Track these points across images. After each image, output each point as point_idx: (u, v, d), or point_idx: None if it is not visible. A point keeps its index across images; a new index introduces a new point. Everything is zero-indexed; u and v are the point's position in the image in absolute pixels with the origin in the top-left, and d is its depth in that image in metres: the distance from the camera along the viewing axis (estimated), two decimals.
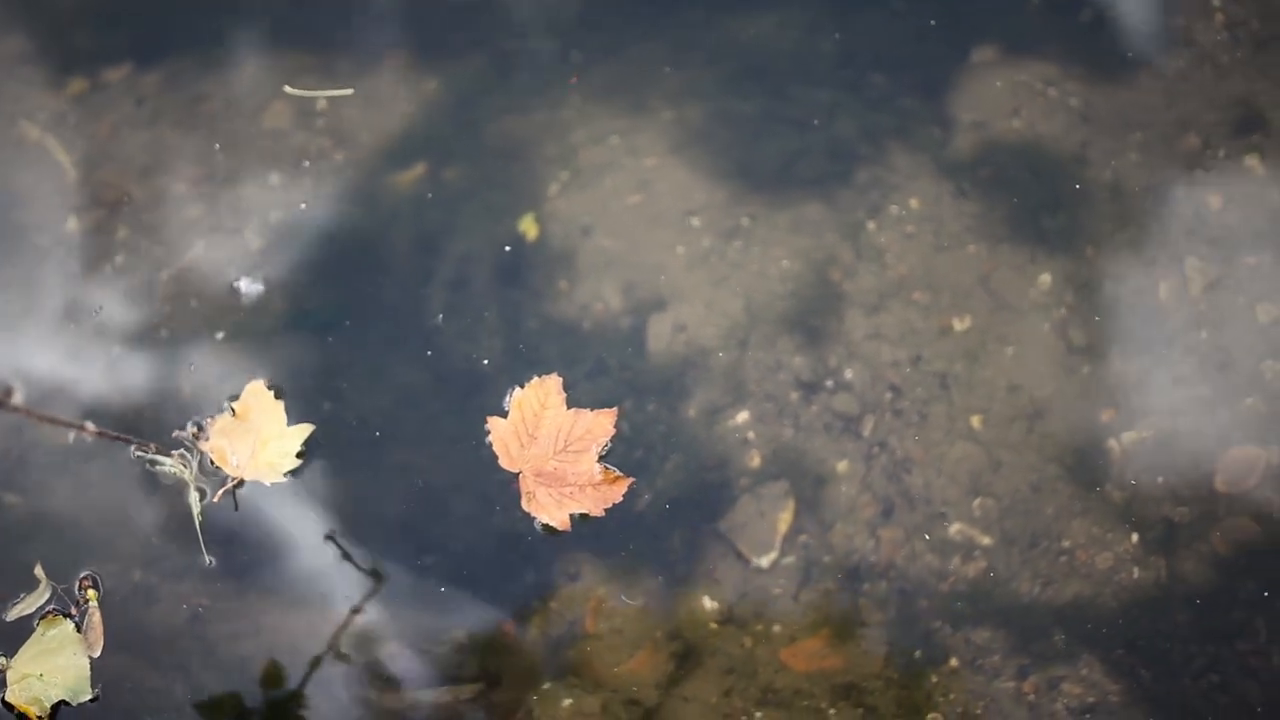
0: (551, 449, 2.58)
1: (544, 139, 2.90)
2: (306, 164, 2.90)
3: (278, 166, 2.91)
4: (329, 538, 2.64)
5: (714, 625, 2.60)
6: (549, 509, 2.55)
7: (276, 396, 2.64)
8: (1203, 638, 2.54)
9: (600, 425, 2.59)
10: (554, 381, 2.61)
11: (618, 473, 2.58)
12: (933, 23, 2.91)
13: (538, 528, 2.60)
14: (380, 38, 3.00)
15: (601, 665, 2.58)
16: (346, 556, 2.63)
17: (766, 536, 2.64)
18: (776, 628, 2.60)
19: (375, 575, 2.62)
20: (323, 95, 2.92)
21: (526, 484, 2.57)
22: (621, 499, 2.56)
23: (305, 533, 2.64)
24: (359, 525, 2.65)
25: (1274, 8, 2.90)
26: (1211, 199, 2.79)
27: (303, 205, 2.87)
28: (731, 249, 2.81)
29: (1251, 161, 2.81)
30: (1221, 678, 2.52)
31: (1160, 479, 2.64)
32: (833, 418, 2.70)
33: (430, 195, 2.87)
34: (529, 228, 2.84)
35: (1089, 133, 2.85)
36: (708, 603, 2.61)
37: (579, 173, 2.87)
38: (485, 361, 2.73)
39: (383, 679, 2.57)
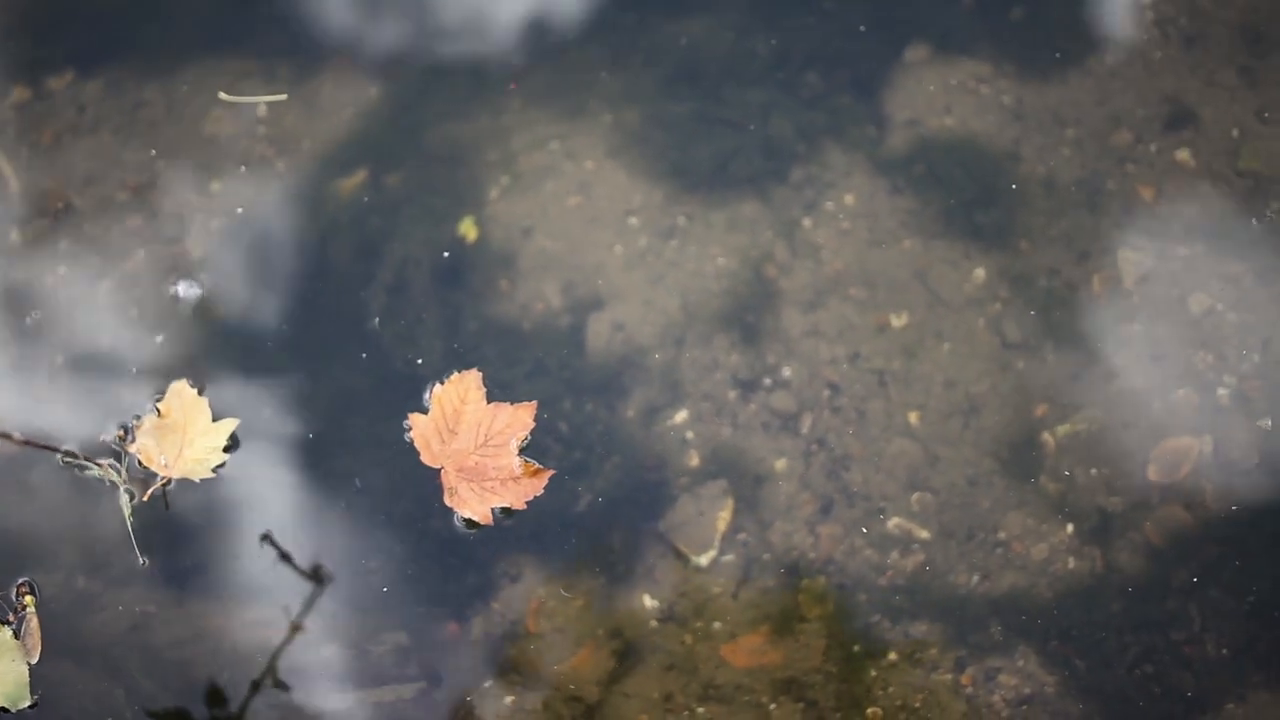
0: (472, 444, 2.56)
1: (484, 144, 2.88)
2: (248, 171, 2.87)
3: (219, 173, 2.88)
4: (268, 539, 2.61)
5: (654, 623, 2.58)
6: (470, 503, 2.53)
7: (200, 394, 2.62)
8: (1137, 627, 2.53)
9: (519, 419, 2.57)
10: (473, 376, 2.59)
11: (538, 465, 2.56)
12: (864, 24, 2.90)
13: (459, 522, 2.58)
14: (322, 44, 2.98)
15: (543, 663, 2.56)
16: (286, 558, 2.61)
17: (706, 535, 2.62)
18: (717, 624, 2.58)
19: (315, 577, 2.59)
20: (257, 101, 2.89)
21: (448, 479, 2.55)
22: (543, 491, 2.55)
23: (244, 535, 2.62)
24: (297, 527, 2.62)
25: (1202, 6, 2.90)
26: (1144, 192, 2.78)
27: (244, 211, 2.84)
28: (669, 248, 2.79)
29: (1182, 156, 2.80)
30: (1155, 667, 2.51)
31: (1094, 470, 2.63)
32: (771, 416, 2.68)
33: (372, 200, 2.85)
34: (469, 230, 2.82)
35: (1022, 129, 2.84)
36: (648, 601, 2.59)
37: (519, 177, 2.85)
38: (420, 361, 2.70)
39: (325, 679, 2.55)
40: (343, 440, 2.67)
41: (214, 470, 2.58)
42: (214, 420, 2.60)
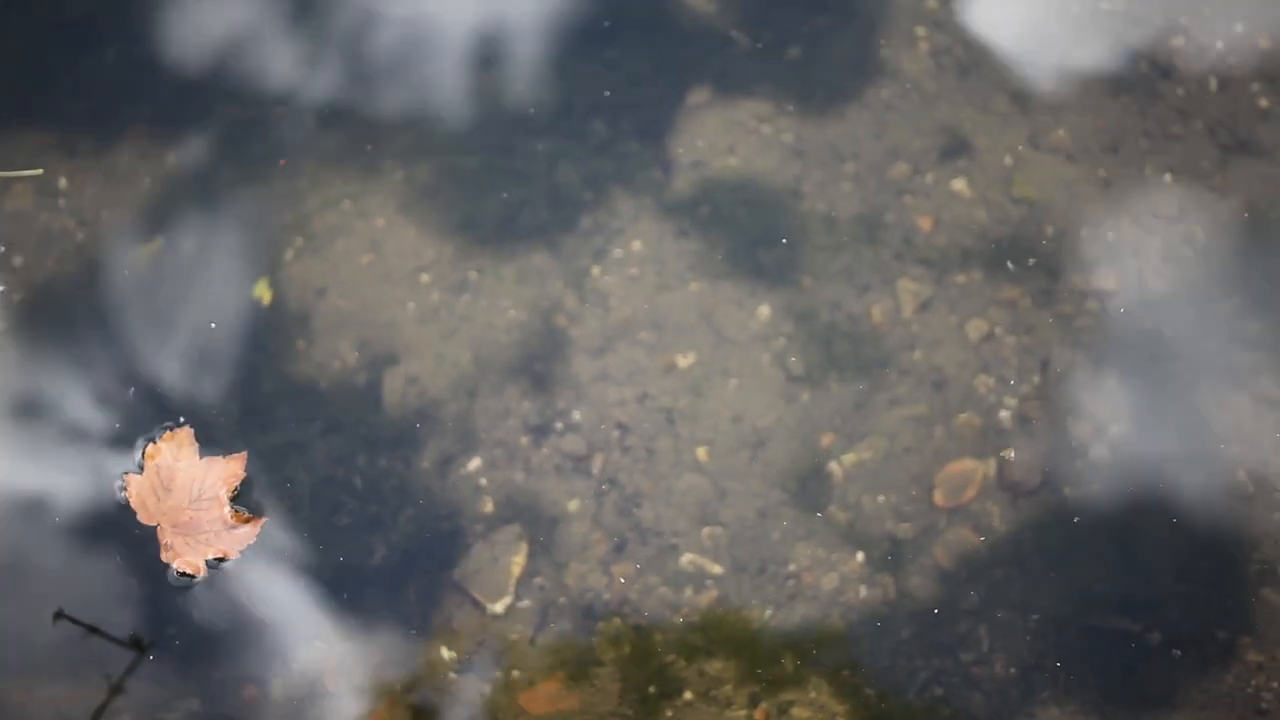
0: (187, 498, 2.51)
1: (280, 207, 2.81)
2: (50, 244, 2.78)
3: (21, 249, 2.79)
4: (62, 614, 2.51)
5: (452, 675, 2.50)
6: (185, 557, 2.48)
7: None
8: (927, 651, 2.48)
9: (231, 470, 2.54)
10: (185, 433, 2.56)
11: (248, 514, 2.51)
12: (647, 70, 2.85)
13: (173, 576, 2.50)
14: (120, 115, 2.90)
15: None
16: (93, 630, 2.51)
17: (501, 581, 2.54)
18: (515, 673, 2.50)
19: (122, 650, 2.50)
20: (12, 176, 2.82)
21: (164, 535, 2.50)
22: (255, 539, 2.50)
23: (37, 608, 2.52)
24: (84, 601, 2.53)
25: (975, 35, 2.87)
26: (921, 222, 2.74)
27: (44, 284, 2.75)
28: (460, 302, 2.72)
29: (958, 185, 2.76)
30: (945, 690, 2.45)
31: (881, 498, 2.57)
32: (562, 459, 2.62)
33: (168, 267, 2.77)
34: (264, 293, 2.74)
35: (803, 166, 2.79)
36: (445, 652, 2.51)
37: (313, 238, 2.78)
38: (221, 423, 2.62)
39: None
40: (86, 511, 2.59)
41: None
42: None
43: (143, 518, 2.51)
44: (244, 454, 2.54)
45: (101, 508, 2.55)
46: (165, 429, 2.58)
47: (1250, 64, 2.81)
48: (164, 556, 2.49)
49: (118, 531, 2.53)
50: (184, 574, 2.49)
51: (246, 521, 2.51)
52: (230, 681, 2.49)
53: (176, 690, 2.48)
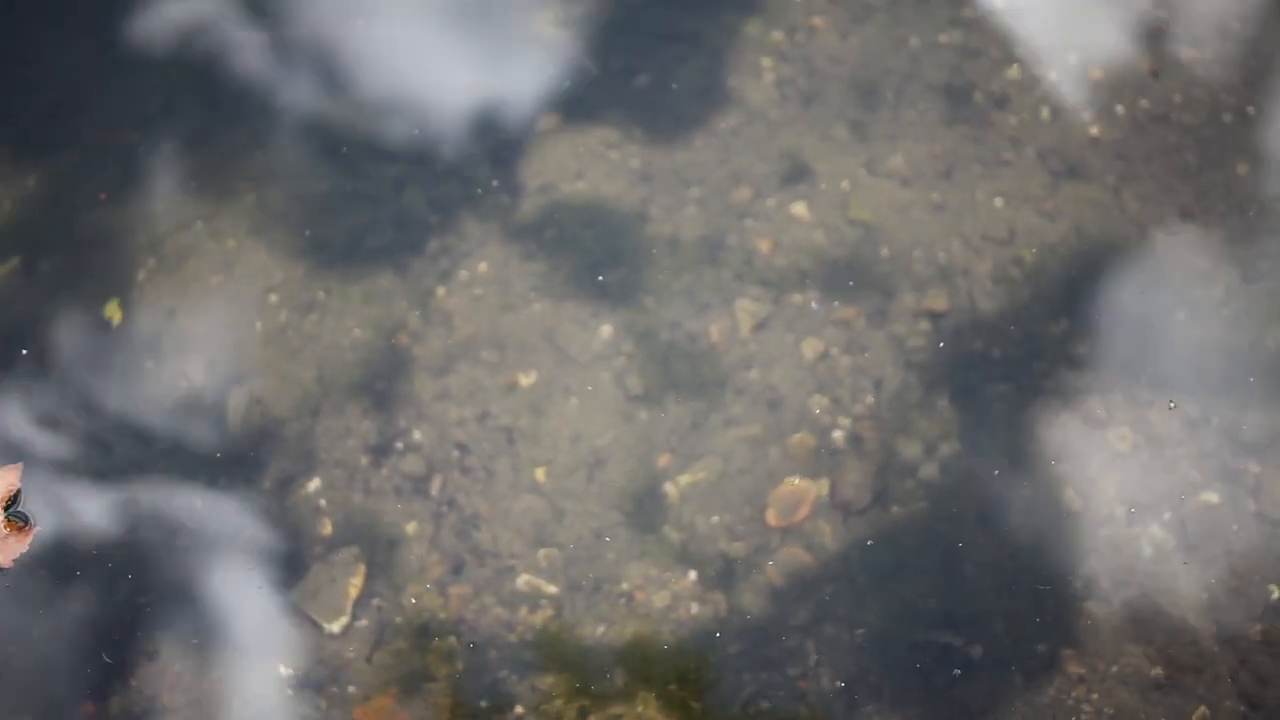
0: None
1: (135, 228, 2.81)
2: None
3: None
4: None
5: (290, 691, 2.49)
6: None
7: None
8: (755, 666, 2.48)
9: (7, 480, 2.54)
10: None
11: (23, 524, 2.52)
12: (495, 96, 2.86)
13: None
14: None
15: None
16: None
17: (337, 602, 2.54)
18: (351, 689, 2.49)
19: None
20: None
21: None
22: (28, 548, 2.50)
23: None
24: None
25: (818, 65, 2.89)
26: (761, 244, 2.76)
27: None
28: (307, 322, 2.72)
29: (798, 209, 2.78)
30: (772, 703, 2.46)
31: (715, 518, 2.58)
32: (402, 480, 2.61)
33: (22, 287, 2.76)
34: (114, 313, 2.73)
35: (649, 191, 2.80)
36: (282, 670, 2.50)
37: (165, 259, 2.77)
38: (64, 443, 2.61)
39: None
40: None
41: None
42: None
43: None
44: (19, 464, 2.54)
45: None
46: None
47: (1082, 94, 2.85)
48: None
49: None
50: None
51: (20, 530, 2.51)
52: (67, 699, 2.47)
53: (11, 707, 2.46)
